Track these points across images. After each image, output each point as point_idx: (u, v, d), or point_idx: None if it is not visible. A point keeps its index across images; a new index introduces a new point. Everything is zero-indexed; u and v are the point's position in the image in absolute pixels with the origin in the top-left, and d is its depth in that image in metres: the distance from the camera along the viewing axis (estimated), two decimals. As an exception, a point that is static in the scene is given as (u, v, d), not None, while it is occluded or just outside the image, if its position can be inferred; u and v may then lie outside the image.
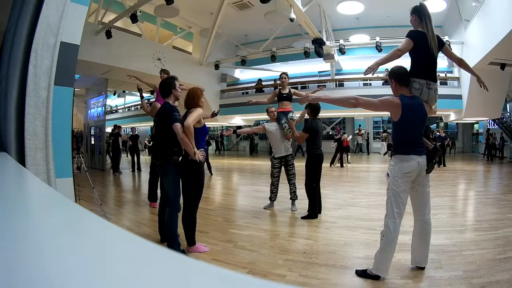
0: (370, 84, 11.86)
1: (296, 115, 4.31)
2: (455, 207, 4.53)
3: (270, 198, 4.34)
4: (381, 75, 9.92)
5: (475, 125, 16.70)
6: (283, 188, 4.39)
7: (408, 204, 2.21)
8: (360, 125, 16.42)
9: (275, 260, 2.54)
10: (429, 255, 2.28)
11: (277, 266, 2.43)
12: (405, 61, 2.32)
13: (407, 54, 2.30)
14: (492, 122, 13.63)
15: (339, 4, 10.49)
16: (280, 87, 4.40)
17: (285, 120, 4.17)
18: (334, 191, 5.62)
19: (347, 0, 10.27)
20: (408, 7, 2.47)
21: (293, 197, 4.19)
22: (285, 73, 4.38)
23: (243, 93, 14.05)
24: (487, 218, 3.66)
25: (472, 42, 8.92)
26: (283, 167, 4.25)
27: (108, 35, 8.04)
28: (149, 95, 12.52)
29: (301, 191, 4.02)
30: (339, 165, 10.03)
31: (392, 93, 2.28)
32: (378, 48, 9.71)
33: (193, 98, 2.72)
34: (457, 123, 16.32)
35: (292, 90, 4.37)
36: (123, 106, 22.20)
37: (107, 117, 12.13)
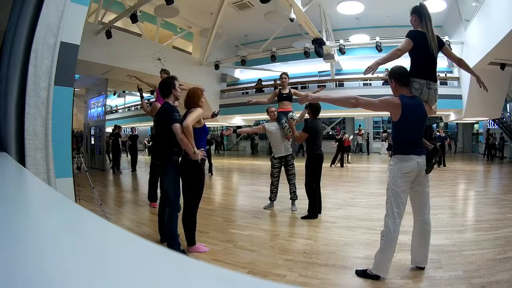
0: (370, 84, 11.86)
1: (296, 115, 4.31)
2: (455, 207, 4.53)
3: (270, 198, 4.34)
4: (381, 75, 9.93)
5: (475, 125, 16.70)
6: (283, 188, 4.39)
7: (408, 204, 2.21)
8: (360, 125, 16.42)
9: (275, 260, 2.54)
10: (429, 255, 2.28)
11: (277, 266, 2.43)
12: (405, 61, 2.32)
13: (407, 54, 2.30)
14: (492, 122, 13.63)
15: (339, 4, 10.50)
16: (280, 87, 4.40)
17: (285, 120, 4.17)
18: (334, 191, 5.62)
19: (347, 0, 10.27)
20: (408, 7, 2.47)
21: (293, 197, 4.19)
22: (285, 73, 4.38)
23: (243, 93, 14.05)
24: (487, 218, 3.65)
25: (472, 42, 8.92)
26: (283, 167, 4.25)
27: (108, 35, 8.04)
28: (149, 95, 12.52)
29: (301, 191, 4.02)
30: (339, 165, 10.03)
31: (392, 93, 2.28)
32: (378, 48, 9.71)
33: (193, 98, 2.72)
34: (457, 123, 16.32)
35: (292, 90, 4.37)
36: (123, 106, 22.21)
37: (107, 117, 12.13)
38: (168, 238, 2.70)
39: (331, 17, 11.14)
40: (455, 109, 11.24)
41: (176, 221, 2.67)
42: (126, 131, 16.75)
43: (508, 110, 13.46)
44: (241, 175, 9.15)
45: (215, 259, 2.58)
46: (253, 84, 14.14)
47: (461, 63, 2.44)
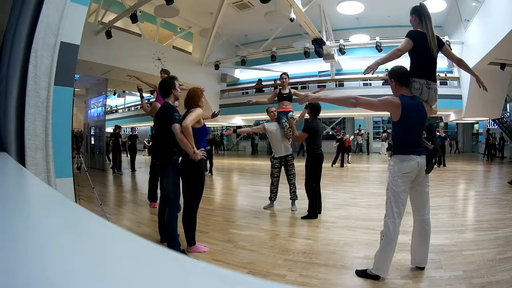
0: (370, 84, 11.87)
1: (296, 115, 4.31)
2: (455, 207, 4.53)
3: (270, 198, 4.34)
4: (381, 75, 9.93)
5: (475, 125, 16.70)
6: (283, 188, 4.39)
7: (408, 204, 2.21)
8: (360, 125, 16.43)
9: (275, 260, 2.54)
10: (429, 255, 2.28)
11: (277, 266, 2.43)
12: (405, 61, 2.32)
13: (407, 54, 2.30)
14: (492, 122, 13.63)
15: (339, 4, 10.50)
16: (280, 87, 4.40)
17: (285, 119, 4.17)
18: (334, 191, 5.62)
19: (347, 0, 10.27)
20: (408, 7, 2.47)
21: (293, 197, 4.19)
22: (286, 73, 4.39)
23: (243, 93, 14.06)
24: (487, 218, 3.65)
25: (472, 42, 8.92)
26: (283, 167, 4.25)
27: (108, 35, 8.04)
28: (149, 95, 12.52)
29: (301, 191, 4.02)
30: (339, 165, 10.03)
31: (392, 93, 2.28)
32: (378, 48, 9.72)
33: (193, 98, 2.72)
34: (457, 123, 16.31)
35: (292, 91, 4.37)
36: (123, 106, 22.21)
37: (107, 117, 12.13)
38: (168, 238, 2.70)
39: (331, 17, 11.14)
40: (455, 109, 11.25)
41: (176, 221, 2.67)
42: (126, 131, 16.75)
43: (508, 110, 13.46)
44: (241, 175, 9.15)
45: (215, 259, 2.58)
46: (253, 84, 14.14)
47: (460, 63, 2.44)
